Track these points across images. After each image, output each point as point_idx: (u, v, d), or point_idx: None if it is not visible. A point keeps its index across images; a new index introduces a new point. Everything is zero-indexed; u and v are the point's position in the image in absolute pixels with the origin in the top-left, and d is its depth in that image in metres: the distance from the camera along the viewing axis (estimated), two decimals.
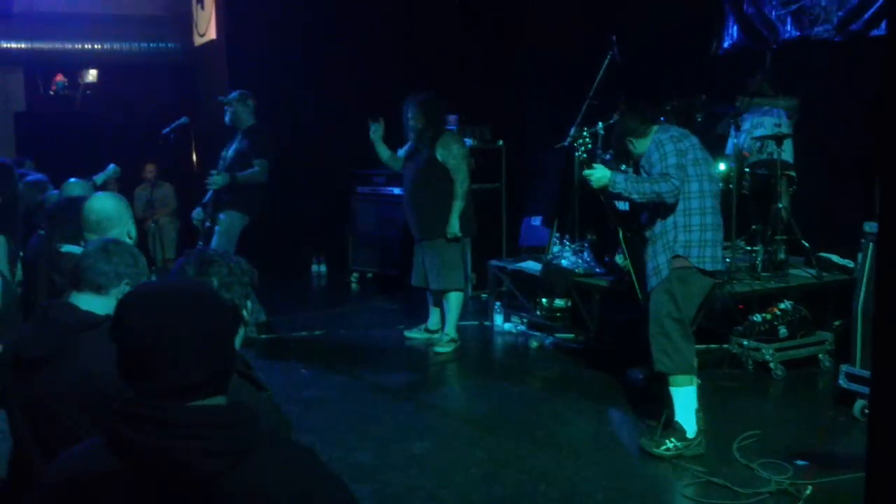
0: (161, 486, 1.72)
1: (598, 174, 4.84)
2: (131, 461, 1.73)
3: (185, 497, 1.72)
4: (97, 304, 2.83)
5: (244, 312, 2.46)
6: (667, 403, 4.86)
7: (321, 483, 1.84)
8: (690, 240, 4.74)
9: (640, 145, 4.92)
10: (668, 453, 4.71)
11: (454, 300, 6.99)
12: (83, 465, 1.80)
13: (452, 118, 8.79)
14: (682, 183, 4.69)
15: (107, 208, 3.66)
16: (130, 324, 1.78)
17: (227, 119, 7.49)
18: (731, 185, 6.90)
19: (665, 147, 4.76)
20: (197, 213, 7.48)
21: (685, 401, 4.78)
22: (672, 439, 4.73)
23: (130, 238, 3.65)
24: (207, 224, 7.33)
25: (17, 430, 2.78)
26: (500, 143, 9.51)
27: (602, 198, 5.11)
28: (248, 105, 7.46)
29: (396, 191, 9.11)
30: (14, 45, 10.81)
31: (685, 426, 4.74)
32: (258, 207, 7.35)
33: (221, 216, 7.22)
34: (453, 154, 6.82)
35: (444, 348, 6.98)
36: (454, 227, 6.80)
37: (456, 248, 6.95)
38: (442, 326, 7.15)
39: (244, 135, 7.40)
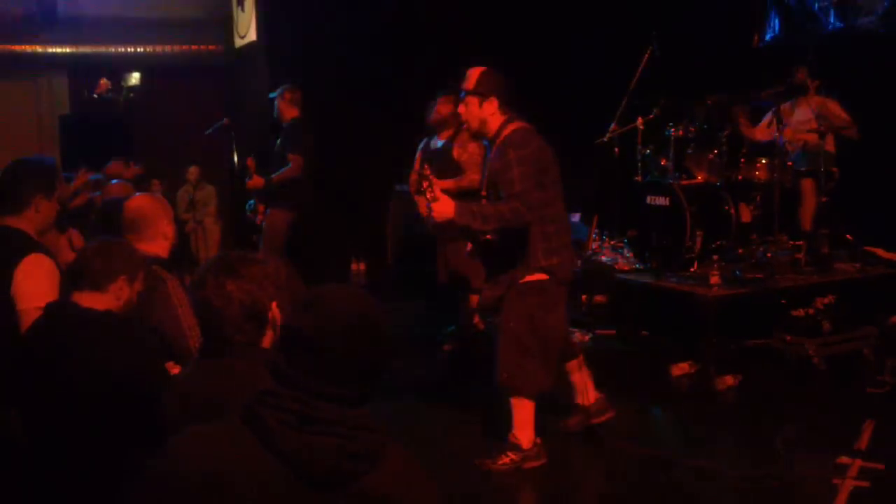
0: (304, 481, 1.72)
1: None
2: (277, 452, 1.72)
3: (321, 495, 1.72)
4: (96, 301, 2.90)
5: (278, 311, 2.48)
6: None
7: (432, 495, 1.88)
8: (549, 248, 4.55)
9: None
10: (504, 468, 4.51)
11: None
12: (220, 451, 1.77)
13: None
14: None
15: (138, 208, 3.70)
16: (328, 317, 1.81)
17: (275, 114, 7.65)
18: (773, 179, 6.84)
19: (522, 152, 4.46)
20: (249, 204, 7.70)
21: None
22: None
23: (165, 238, 3.68)
24: (259, 218, 7.56)
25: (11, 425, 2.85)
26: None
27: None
28: (287, 100, 7.56)
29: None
30: (59, 50, 11.00)
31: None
32: (301, 202, 7.48)
33: (267, 212, 7.45)
34: (469, 152, 6.72)
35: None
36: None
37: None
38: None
39: (284, 130, 7.55)
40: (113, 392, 2.70)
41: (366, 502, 1.73)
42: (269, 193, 7.43)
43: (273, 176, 7.37)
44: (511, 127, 4.48)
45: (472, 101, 4.54)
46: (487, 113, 4.50)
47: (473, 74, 4.55)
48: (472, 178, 6.63)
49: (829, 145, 7.25)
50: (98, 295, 2.91)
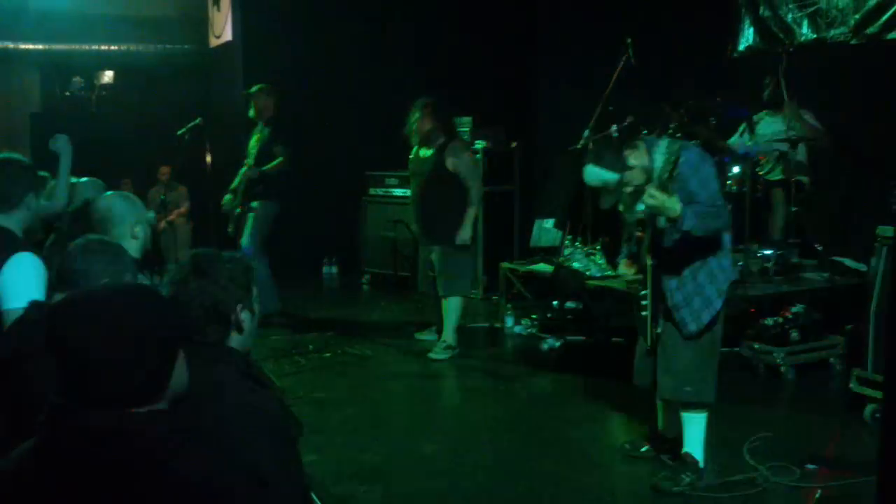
0: (82, 494, 1.71)
1: (670, 204, 4.04)
2: (53, 467, 1.72)
3: (107, 501, 1.71)
4: None
5: (246, 313, 2.47)
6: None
7: (243, 489, 1.84)
8: (724, 266, 4.42)
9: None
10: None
11: (455, 306, 6.91)
12: (13, 474, 1.79)
13: (465, 120, 8.81)
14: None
15: (107, 207, 3.65)
16: (59, 332, 1.77)
17: (250, 112, 7.89)
18: (744, 189, 6.89)
19: (704, 170, 4.30)
20: (227, 199, 7.90)
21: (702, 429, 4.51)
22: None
23: (135, 238, 3.64)
24: (238, 210, 7.79)
25: None
26: (514, 145, 9.51)
27: (644, 226, 4.45)
28: (269, 97, 7.84)
29: (408, 193, 9.11)
30: (31, 47, 10.89)
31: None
32: (286, 194, 7.83)
33: (254, 204, 7.69)
34: (464, 162, 6.76)
35: (440, 355, 6.86)
36: (466, 234, 6.75)
37: (465, 254, 6.93)
38: (438, 333, 7.10)
39: (265, 126, 7.79)
40: None
41: (157, 501, 1.71)
42: (260, 183, 7.70)
43: (266, 168, 7.67)
44: None
45: None
46: None
47: None
48: (475, 186, 6.74)
49: (800, 155, 7.31)
50: None
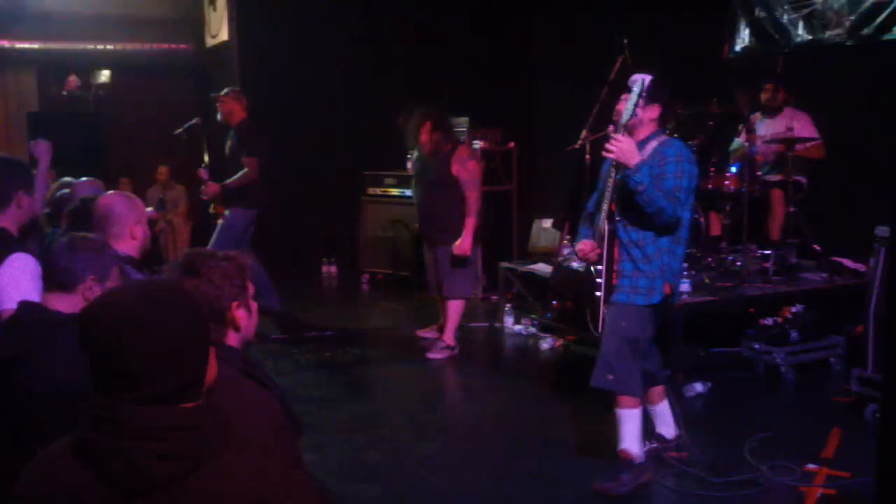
0: (120, 489, 1.71)
1: (627, 146, 4.13)
2: (92, 463, 1.72)
3: (142, 501, 1.71)
4: (65, 302, 2.82)
5: (242, 311, 2.47)
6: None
7: (281, 489, 1.82)
8: (676, 269, 4.46)
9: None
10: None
11: (457, 308, 6.92)
12: (49, 468, 1.79)
13: (462, 120, 8.81)
14: (681, 208, 4.27)
15: (107, 206, 3.65)
16: (94, 333, 1.76)
17: (218, 116, 7.69)
18: (742, 189, 6.90)
19: (684, 164, 4.26)
20: (212, 205, 7.76)
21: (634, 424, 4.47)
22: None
23: (134, 238, 3.64)
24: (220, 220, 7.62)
25: None
26: (512, 145, 9.52)
27: (610, 174, 4.30)
28: (237, 102, 7.60)
29: (407, 192, 9.13)
30: (27, 46, 10.87)
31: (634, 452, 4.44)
32: (261, 201, 7.57)
33: (226, 213, 7.49)
34: (469, 171, 6.75)
35: (439, 355, 6.87)
36: (466, 245, 6.69)
37: (468, 256, 6.93)
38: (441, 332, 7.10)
39: (235, 132, 7.60)
40: (64, 398, 2.64)
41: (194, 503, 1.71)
42: (227, 195, 7.51)
43: (228, 182, 7.50)
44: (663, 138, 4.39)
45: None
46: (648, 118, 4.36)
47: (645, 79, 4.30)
48: (474, 196, 6.68)
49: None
50: (66, 296, 2.83)
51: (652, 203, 4.12)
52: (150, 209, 7.10)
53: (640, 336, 4.39)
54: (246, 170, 7.41)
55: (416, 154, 7.07)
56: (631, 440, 4.44)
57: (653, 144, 4.34)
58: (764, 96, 7.61)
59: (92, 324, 1.76)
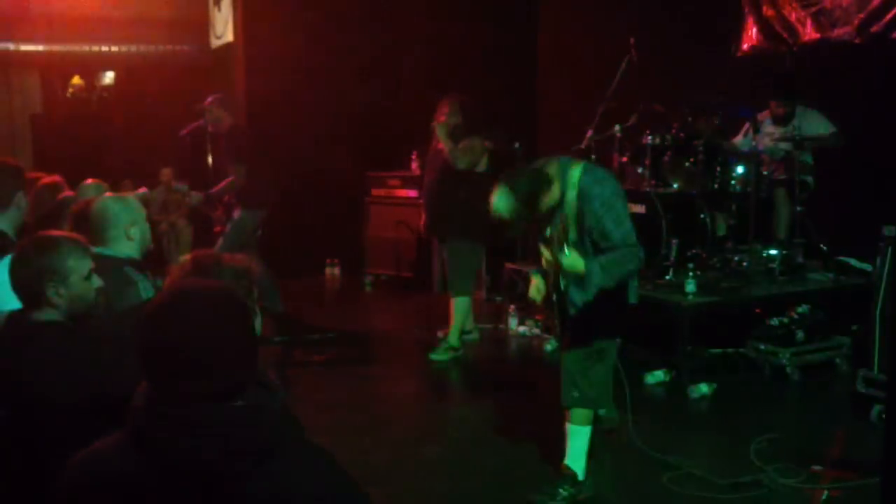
0: (184, 485, 1.71)
1: (577, 265, 4.04)
2: (155, 460, 1.72)
3: (207, 497, 1.71)
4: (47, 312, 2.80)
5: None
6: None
7: (339, 488, 1.84)
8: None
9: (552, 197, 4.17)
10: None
11: (461, 306, 6.89)
12: (105, 464, 1.79)
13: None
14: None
15: (101, 210, 3.64)
16: (162, 328, 1.77)
17: (207, 125, 7.61)
18: (748, 189, 6.86)
19: (617, 206, 4.07)
20: (196, 197, 8.03)
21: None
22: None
23: (130, 239, 3.63)
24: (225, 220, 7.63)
25: None
26: (517, 145, 9.47)
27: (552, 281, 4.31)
28: (225, 108, 7.55)
29: (411, 193, 9.10)
30: (31, 48, 10.87)
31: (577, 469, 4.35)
32: (267, 200, 7.55)
33: (234, 214, 7.47)
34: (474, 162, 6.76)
35: (440, 356, 6.83)
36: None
37: (472, 253, 6.90)
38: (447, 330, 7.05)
39: (224, 139, 7.55)
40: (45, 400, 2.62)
41: (255, 500, 1.71)
42: (235, 194, 7.46)
43: (213, 190, 7.53)
44: None
45: None
46: None
47: None
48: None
49: (805, 155, 7.27)
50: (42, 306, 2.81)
51: (619, 277, 4.11)
52: (142, 189, 7.16)
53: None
54: (231, 178, 7.36)
55: (431, 144, 7.01)
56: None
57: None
58: (776, 111, 7.47)
59: (160, 319, 1.77)
